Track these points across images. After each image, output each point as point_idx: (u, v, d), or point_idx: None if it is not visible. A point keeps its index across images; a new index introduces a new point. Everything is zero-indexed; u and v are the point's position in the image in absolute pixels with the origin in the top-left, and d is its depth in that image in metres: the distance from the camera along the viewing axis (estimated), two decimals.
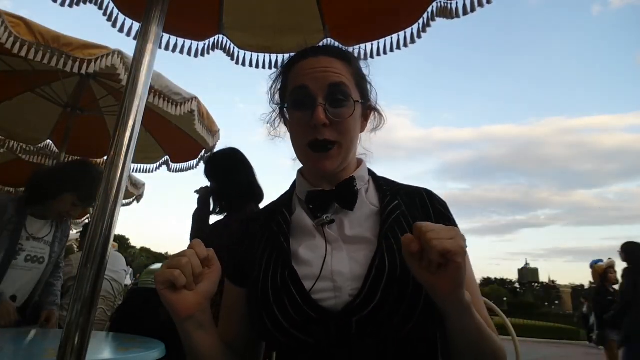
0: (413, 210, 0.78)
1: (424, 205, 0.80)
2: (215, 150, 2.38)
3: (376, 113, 0.88)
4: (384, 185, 0.83)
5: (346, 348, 0.65)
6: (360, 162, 0.87)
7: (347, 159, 0.80)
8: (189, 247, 0.65)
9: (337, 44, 2.01)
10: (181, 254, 0.63)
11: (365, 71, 0.86)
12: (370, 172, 0.88)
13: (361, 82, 0.83)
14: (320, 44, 2.04)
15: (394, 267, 0.67)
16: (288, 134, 0.87)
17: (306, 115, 0.74)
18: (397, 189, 0.83)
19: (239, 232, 0.87)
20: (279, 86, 0.86)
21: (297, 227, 0.79)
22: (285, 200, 0.86)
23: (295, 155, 0.86)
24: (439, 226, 0.57)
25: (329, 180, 0.80)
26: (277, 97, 0.87)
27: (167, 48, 1.96)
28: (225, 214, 2.04)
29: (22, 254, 1.93)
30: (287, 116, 0.82)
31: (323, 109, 0.74)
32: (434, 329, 0.70)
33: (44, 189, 1.99)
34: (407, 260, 0.61)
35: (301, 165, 0.87)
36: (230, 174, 2.00)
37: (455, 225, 0.79)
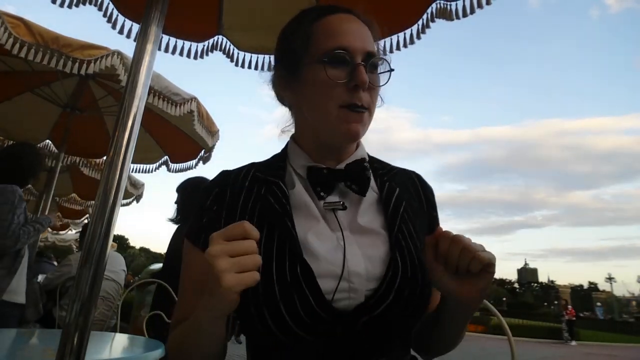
0: (410, 199, 0.76)
1: (417, 193, 0.80)
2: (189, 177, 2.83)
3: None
4: (378, 169, 0.78)
5: (346, 345, 0.61)
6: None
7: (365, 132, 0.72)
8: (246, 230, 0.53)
9: None
10: (242, 234, 0.52)
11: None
12: None
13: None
14: None
15: (406, 266, 0.65)
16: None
17: (343, 74, 0.67)
18: (391, 172, 0.78)
19: (213, 193, 0.73)
20: (296, 40, 0.74)
21: (298, 206, 0.69)
22: (276, 169, 0.74)
23: (283, 127, 0.81)
24: (467, 237, 0.59)
25: (333, 156, 0.73)
26: (292, 51, 0.74)
27: (166, 50, 1.96)
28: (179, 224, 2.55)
29: None
30: (310, 74, 0.70)
31: (365, 70, 0.67)
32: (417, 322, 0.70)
33: None
34: (429, 264, 0.61)
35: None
36: (193, 198, 2.42)
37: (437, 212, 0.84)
